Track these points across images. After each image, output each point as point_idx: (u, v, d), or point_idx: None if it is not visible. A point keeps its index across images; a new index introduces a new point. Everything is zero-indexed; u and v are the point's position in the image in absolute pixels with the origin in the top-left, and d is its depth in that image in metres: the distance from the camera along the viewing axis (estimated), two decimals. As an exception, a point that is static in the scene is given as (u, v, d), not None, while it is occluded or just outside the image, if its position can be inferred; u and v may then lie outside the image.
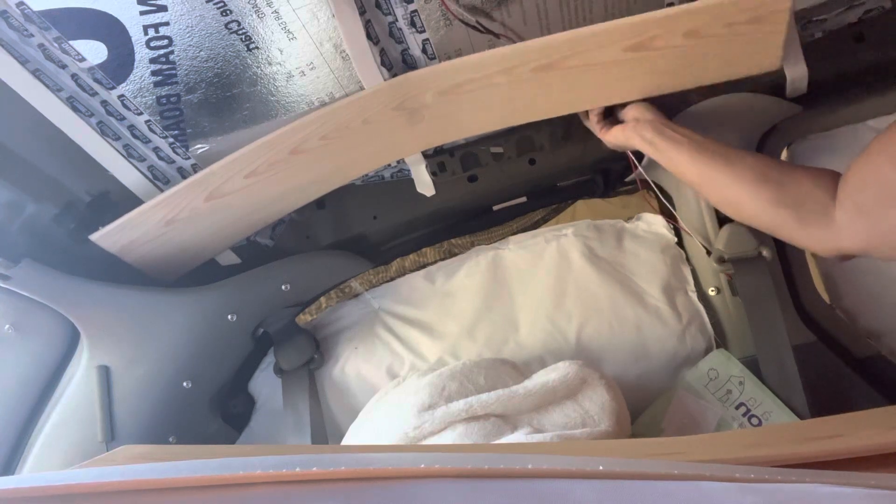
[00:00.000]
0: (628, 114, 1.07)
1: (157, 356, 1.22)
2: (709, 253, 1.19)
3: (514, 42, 1.05)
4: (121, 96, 1.04)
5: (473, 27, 1.04)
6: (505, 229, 1.41)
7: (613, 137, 1.07)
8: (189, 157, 1.15)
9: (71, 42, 0.96)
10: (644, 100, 1.07)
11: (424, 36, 1.05)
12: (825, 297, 1.21)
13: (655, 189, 1.27)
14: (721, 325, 1.26)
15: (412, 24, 1.03)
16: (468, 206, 1.34)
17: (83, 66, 0.99)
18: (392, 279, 1.41)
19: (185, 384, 1.24)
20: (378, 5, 1.01)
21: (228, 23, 1.00)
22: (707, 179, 0.94)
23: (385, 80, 1.07)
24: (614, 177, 1.33)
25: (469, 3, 1.02)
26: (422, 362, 1.29)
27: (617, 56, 1.00)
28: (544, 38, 1.00)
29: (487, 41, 1.07)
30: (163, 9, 0.97)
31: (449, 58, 1.09)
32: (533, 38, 1.01)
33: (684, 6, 0.95)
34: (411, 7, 1.01)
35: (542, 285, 1.30)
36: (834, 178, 0.83)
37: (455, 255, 1.40)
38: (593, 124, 1.13)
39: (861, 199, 0.77)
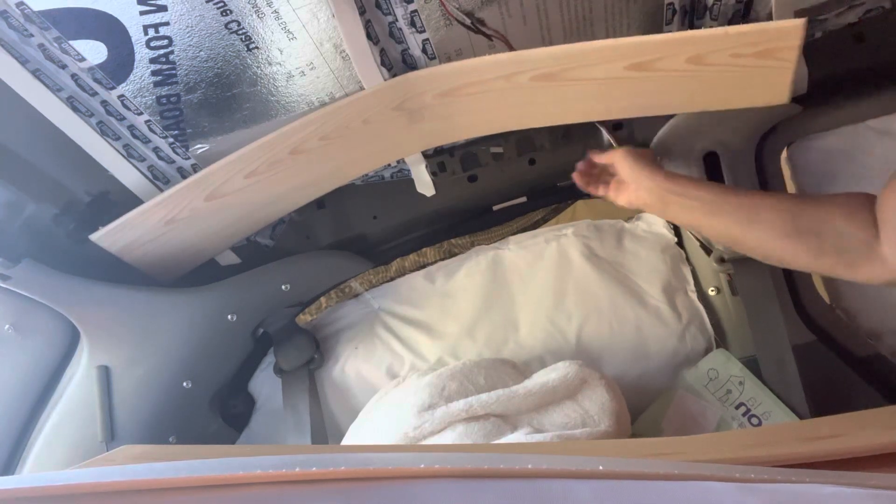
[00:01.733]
0: (620, 172, 0.99)
1: (157, 356, 1.22)
2: (709, 253, 1.19)
3: (506, 44, 1.05)
4: (121, 96, 1.04)
5: (468, 27, 1.04)
6: (505, 229, 1.40)
7: (627, 203, 0.99)
8: (189, 157, 1.15)
9: (71, 42, 0.96)
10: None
11: (424, 36, 1.05)
12: (825, 297, 1.21)
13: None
14: (721, 325, 1.26)
15: (412, 24, 1.03)
16: (468, 206, 1.34)
17: (83, 66, 0.99)
18: (392, 279, 1.41)
19: (185, 384, 1.24)
20: (378, 5, 1.01)
21: (228, 23, 1.00)
22: (733, 241, 0.88)
23: (385, 80, 1.07)
24: (614, 177, 1.33)
25: (463, 5, 1.02)
26: (422, 362, 1.29)
27: (619, 73, 0.99)
28: (546, 49, 1.00)
29: (488, 43, 1.07)
30: (163, 9, 0.97)
31: (449, 58, 1.09)
32: (533, 44, 1.01)
33: (689, 33, 0.94)
34: (411, 7, 1.01)
35: (542, 285, 1.30)
36: (866, 206, 0.77)
37: (455, 255, 1.40)
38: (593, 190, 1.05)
39: None
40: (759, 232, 0.82)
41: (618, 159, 0.99)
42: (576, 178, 1.06)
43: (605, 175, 1.04)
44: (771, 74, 0.93)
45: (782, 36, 0.88)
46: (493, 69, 1.04)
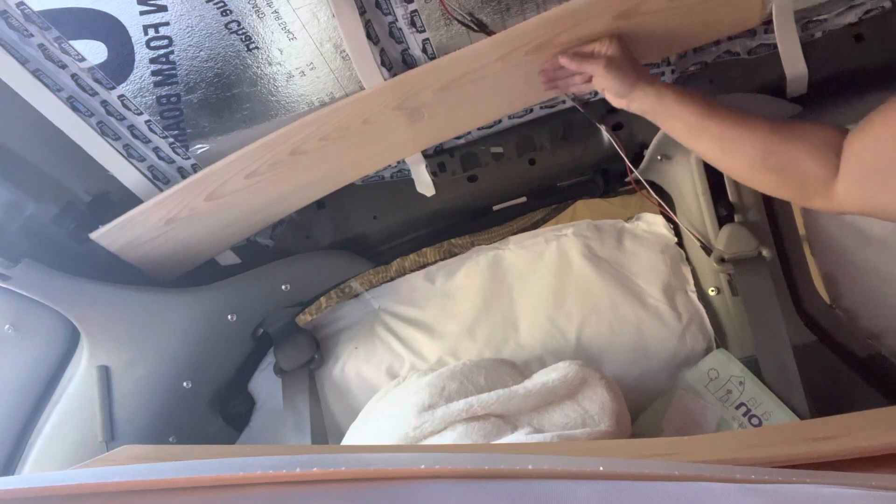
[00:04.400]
0: (604, 90, 0.99)
1: (157, 356, 1.22)
2: (709, 253, 1.19)
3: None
4: (121, 96, 1.04)
5: (468, 26, 1.04)
6: (505, 229, 1.40)
7: (607, 87, 0.98)
8: (189, 157, 1.15)
9: (71, 42, 0.96)
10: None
11: (424, 35, 1.05)
12: (825, 297, 1.21)
13: (651, 191, 1.27)
14: (721, 325, 1.26)
15: (412, 23, 1.03)
16: (468, 206, 1.34)
17: (83, 66, 0.99)
18: (392, 279, 1.41)
19: (185, 384, 1.24)
20: (378, 5, 1.01)
21: (228, 23, 1.00)
22: (709, 161, 0.95)
23: (385, 80, 1.07)
24: (614, 177, 1.33)
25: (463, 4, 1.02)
26: (422, 362, 1.29)
27: (608, 25, 0.99)
28: (534, 19, 1.00)
29: (487, 41, 1.07)
30: (163, 9, 0.97)
31: (449, 57, 1.09)
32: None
33: None
34: (411, 7, 1.01)
35: (542, 285, 1.30)
36: (833, 144, 0.81)
37: (455, 255, 1.40)
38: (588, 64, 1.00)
39: (859, 171, 0.78)
40: (733, 163, 0.90)
41: (598, 77, 0.98)
42: (540, 76, 1.06)
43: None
44: None
45: None
46: (488, 52, 1.04)
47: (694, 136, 0.92)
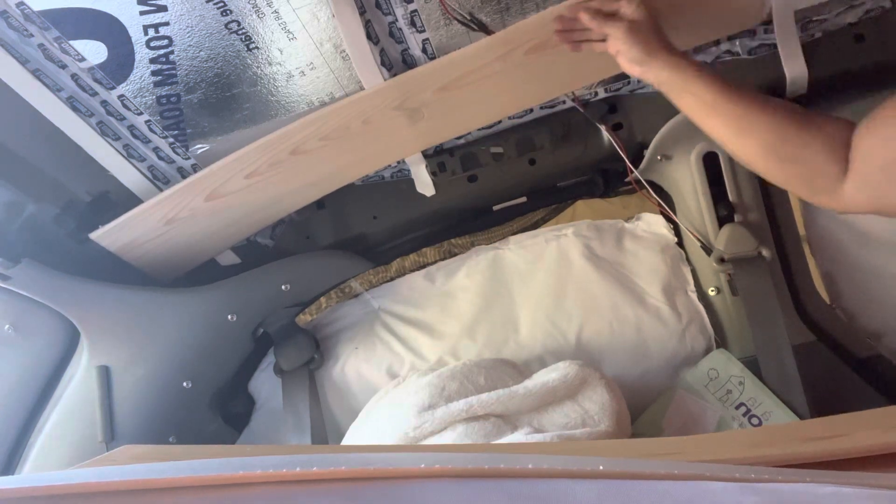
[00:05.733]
0: (620, 56, 0.92)
1: (157, 356, 1.22)
2: (709, 253, 1.19)
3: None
4: (121, 96, 1.04)
5: (468, 26, 1.04)
6: (505, 229, 1.40)
7: (626, 59, 0.92)
8: (189, 157, 1.15)
9: (71, 42, 0.96)
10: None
11: (424, 35, 1.05)
12: (825, 297, 1.21)
13: (651, 191, 1.27)
14: (721, 325, 1.26)
15: (412, 23, 1.03)
16: (468, 206, 1.34)
17: (83, 66, 0.99)
18: (392, 279, 1.41)
19: (185, 384, 1.24)
20: (378, 5, 1.01)
21: (228, 23, 1.00)
22: (719, 141, 0.90)
23: (385, 80, 1.07)
24: (614, 177, 1.33)
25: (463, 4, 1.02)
26: (422, 362, 1.29)
27: None
28: (533, 17, 0.99)
29: (487, 41, 1.07)
30: (163, 9, 0.97)
31: (449, 57, 1.09)
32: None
33: None
34: (411, 7, 1.01)
35: (542, 285, 1.30)
36: (848, 140, 0.79)
37: (455, 255, 1.40)
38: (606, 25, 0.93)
39: (867, 170, 0.76)
40: (745, 147, 0.85)
41: (616, 41, 0.91)
42: (556, 25, 0.98)
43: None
44: None
45: None
46: (487, 52, 1.04)
47: (708, 114, 0.87)
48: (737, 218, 1.18)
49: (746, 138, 0.84)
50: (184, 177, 1.16)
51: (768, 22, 1.08)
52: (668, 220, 1.31)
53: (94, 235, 1.13)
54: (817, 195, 0.83)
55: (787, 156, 0.82)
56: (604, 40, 0.94)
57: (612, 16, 0.92)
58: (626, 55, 0.91)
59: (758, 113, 0.84)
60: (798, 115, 0.83)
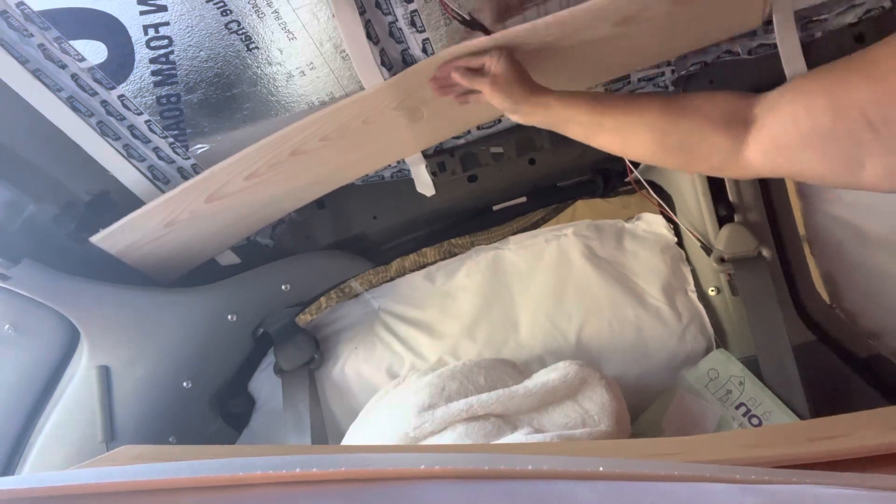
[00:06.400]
0: (494, 105, 0.97)
1: (157, 356, 1.22)
2: (709, 253, 1.19)
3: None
4: (121, 96, 1.04)
5: (468, 25, 1.04)
6: (505, 229, 1.41)
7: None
8: (189, 157, 1.15)
9: (71, 42, 0.96)
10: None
11: (425, 35, 1.05)
12: (825, 297, 1.21)
13: (651, 191, 1.27)
14: (721, 325, 1.26)
15: (412, 23, 1.03)
16: (468, 206, 1.34)
17: (83, 66, 0.99)
18: (392, 279, 1.41)
19: (185, 384, 1.24)
20: (378, 5, 1.01)
21: (228, 23, 1.00)
22: (617, 154, 0.93)
23: (385, 79, 1.07)
24: (614, 177, 1.33)
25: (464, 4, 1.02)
26: (422, 362, 1.29)
27: (609, 31, 0.99)
28: (532, 23, 0.99)
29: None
30: (163, 9, 0.97)
31: (449, 57, 1.09)
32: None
33: None
34: (411, 7, 1.01)
35: (542, 285, 1.30)
36: (737, 112, 0.79)
37: (455, 255, 1.40)
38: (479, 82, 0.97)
39: (786, 137, 0.75)
40: (637, 149, 0.89)
41: (486, 95, 0.96)
42: (431, 84, 1.03)
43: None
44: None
45: None
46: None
47: (593, 134, 0.91)
48: (737, 218, 1.18)
49: (634, 143, 0.88)
50: (184, 177, 1.16)
51: (768, 22, 1.08)
52: (668, 220, 1.31)
53: (94, 239, 1.13)
54: (722, 171, 0.85)
55: (676, 145, 0.84)
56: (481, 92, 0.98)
57: (479, 71, 0.97)
58: (500, 107, 0.96)
59: (634, 117, 0.87)
60: (674, 105, 0.85)
